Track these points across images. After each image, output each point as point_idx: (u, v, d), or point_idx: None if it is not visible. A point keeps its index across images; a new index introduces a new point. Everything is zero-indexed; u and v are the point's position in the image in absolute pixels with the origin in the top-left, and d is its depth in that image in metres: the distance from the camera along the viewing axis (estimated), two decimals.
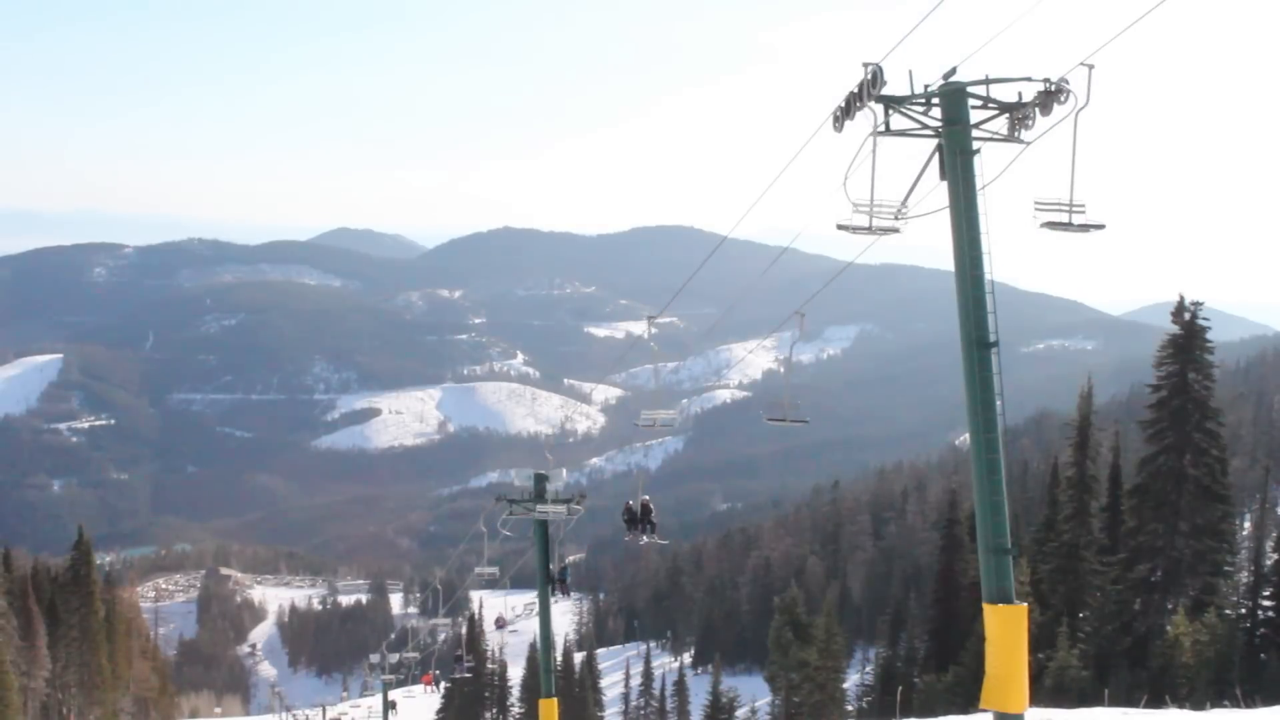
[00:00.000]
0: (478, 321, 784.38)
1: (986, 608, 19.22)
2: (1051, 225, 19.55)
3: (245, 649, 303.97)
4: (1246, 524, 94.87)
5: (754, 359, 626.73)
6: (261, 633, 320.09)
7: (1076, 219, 19.59)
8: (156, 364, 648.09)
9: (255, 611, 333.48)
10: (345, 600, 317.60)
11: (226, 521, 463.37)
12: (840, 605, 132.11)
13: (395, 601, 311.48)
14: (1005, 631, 19.04)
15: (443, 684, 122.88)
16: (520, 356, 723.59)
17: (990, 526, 19.14)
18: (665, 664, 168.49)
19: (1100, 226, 19.84)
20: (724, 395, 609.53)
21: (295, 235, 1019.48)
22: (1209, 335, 62.66)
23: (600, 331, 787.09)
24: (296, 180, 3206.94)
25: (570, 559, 48.49)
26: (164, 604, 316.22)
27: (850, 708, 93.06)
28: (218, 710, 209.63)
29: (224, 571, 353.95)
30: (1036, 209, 19.46)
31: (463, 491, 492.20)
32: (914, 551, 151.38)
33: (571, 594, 47.50)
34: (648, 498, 37.31)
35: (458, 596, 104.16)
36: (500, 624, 68.56)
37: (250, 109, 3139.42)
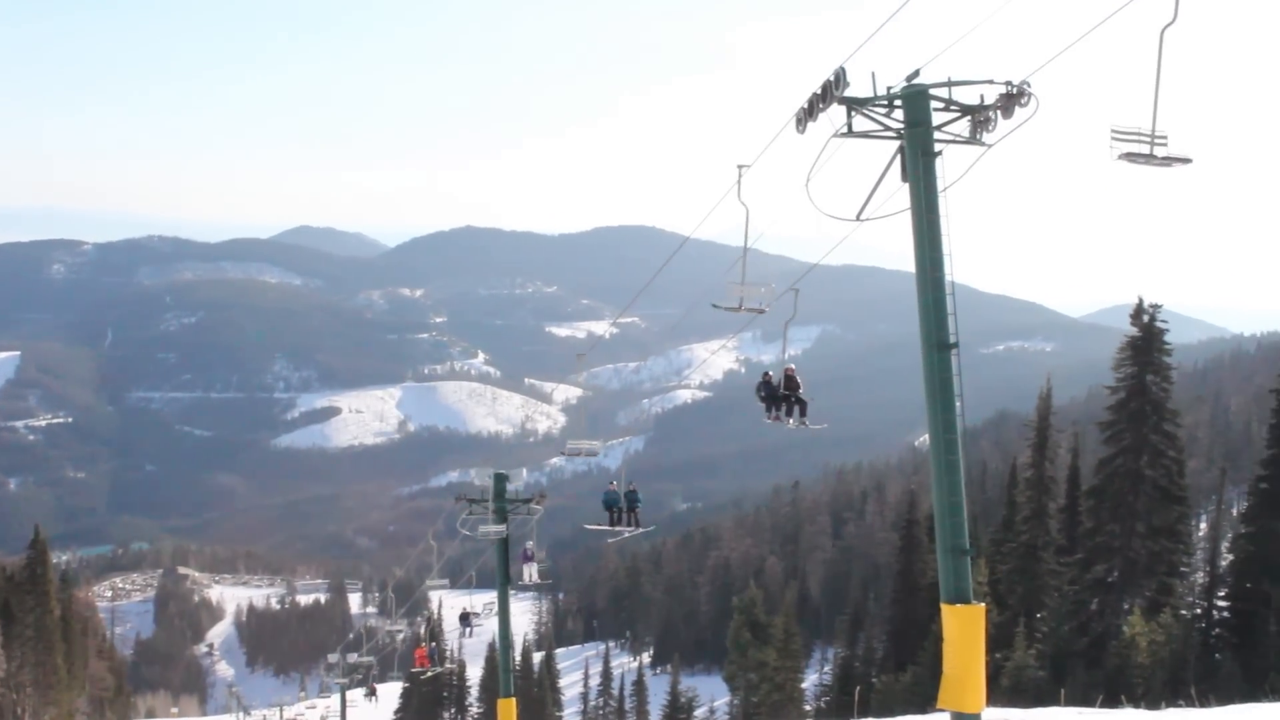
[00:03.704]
0: (439, 321, 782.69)
1: (944, 608, 19.25)
2: (1130, 157, 18.16)
3: (202, 649, 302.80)
4: (1203, 525, 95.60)
5: (715, 359, 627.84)
6: (219, 632, 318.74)
7: (1159, 151, 18.21)
8: (115, 362, 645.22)
9: (213, 611, 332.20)
10: (304, 600, 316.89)
11: (184, 520, 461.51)
12: (799, 605, 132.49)
13: (354, 601, 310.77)
14: (963, 632, 19.08)
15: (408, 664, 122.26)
16: (481, 356, 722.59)
17: (949, 527, 19.18)
18: (624, 664, 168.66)
19: (1187, 160, 18.47)
20: (685, 395, 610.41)
21: (256, 233, 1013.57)
22: (1167, 338, 62.98)
23: (561, 331, 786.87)
24: (258, 178, 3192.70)
25: (536, 561, 47.26)
26: (121, 603, 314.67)
27: (808, 707, 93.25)
28: (174, 710, 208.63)
29: (181, 571, 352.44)
30: (1114, 139, 18.04)
31: (423, 491, 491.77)
32: (873, 552, 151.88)
33: (642, 526, 40.73)
34: (794, 367, 28.10)
35: (417, 596, 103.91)
36: (465, 620, 67.40)
37: (212, 107, 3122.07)
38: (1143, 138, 17.81)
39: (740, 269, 23.04)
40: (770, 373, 27.66)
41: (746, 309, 24.33)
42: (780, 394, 27.20)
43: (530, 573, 46.00)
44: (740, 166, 22.71)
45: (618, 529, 40.03)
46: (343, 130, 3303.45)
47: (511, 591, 44.71)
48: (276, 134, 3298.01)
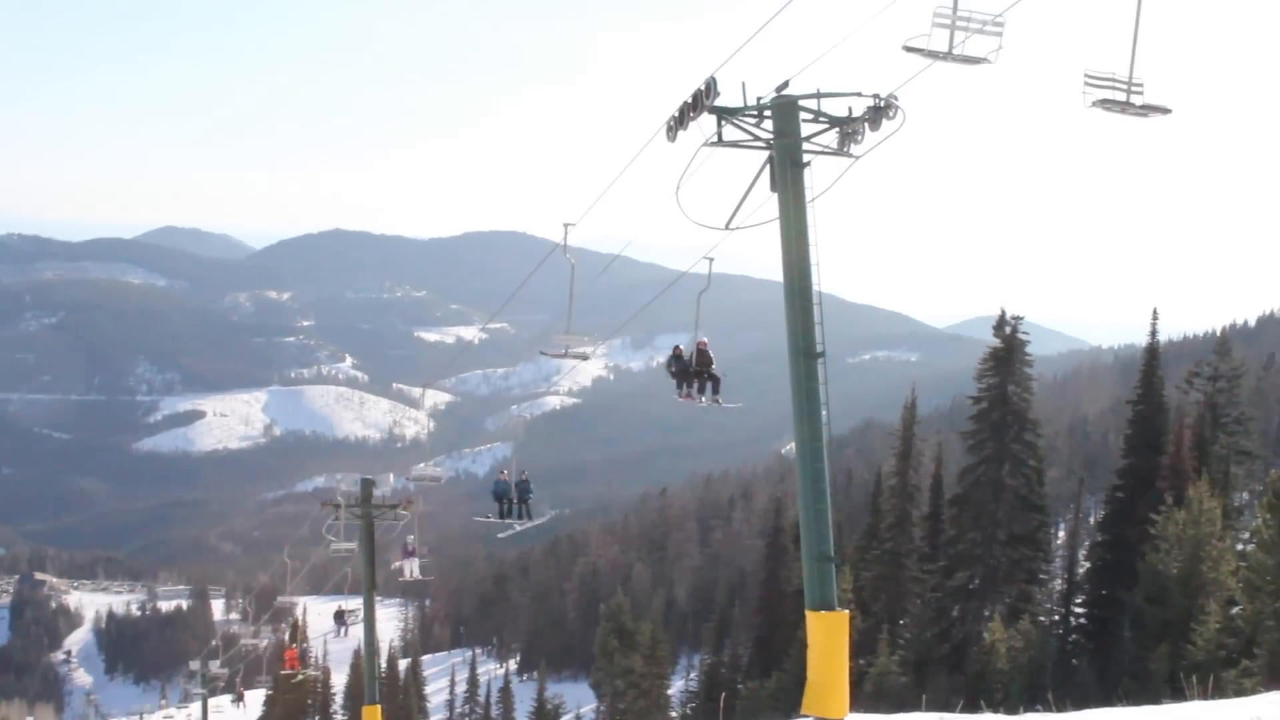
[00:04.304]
0: (306, 324, 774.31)
1: (809, 615, 19.41)
2: (1106, 105, 17.32)
3: (60, 656, 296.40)
4: (1061, 533, 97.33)
5: (584, 366, 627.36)
6: (77, 639, 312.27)
7: (1136, 99, 17.40)
8: None
9: (71, 617, 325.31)
10: (165, 606, 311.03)
11: (43, 525, 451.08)
12: (666, 612, 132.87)
13: (217, 607, 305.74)
14: (827, 638, 19.24)
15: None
16: (349, 360, 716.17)
17: (814, 534, 19.35)
18: (491, 671, 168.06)
19: (1166, 110, 17.61)
20: (554, 402, 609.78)
21: (120, 233, 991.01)
22: (1028, 349, 64.17)
23: (430, 336, 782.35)
24: (123, 177, 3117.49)
25: (417, 558, 46.52)
26: None
27: (674, 714, 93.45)
28: (29, 719, 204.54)
29: (39, 576, 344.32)
30: (1087, 85, 17.16)
31: (288, 496, 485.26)
32: (740, 559, 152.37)
33: (534, 519, 37.91)
34: (706, 341, 26.28)
35: (276, 607, 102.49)
36: (340, 619, 66.67)
37: (78, 106, 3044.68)
38: (1118, 84, 17.29)
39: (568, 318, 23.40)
40: (681, 347, 26.60)
41: (571, 354, 24.69)
42: (692, 370, 26.24)
43: (411, 568, 45.59)
44: (566, 224, 22.96)
45: (508, 521, 38.12)
46: (212, 132, 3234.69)
47: (378, 597, 44.37)
48: (143, 134, 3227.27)
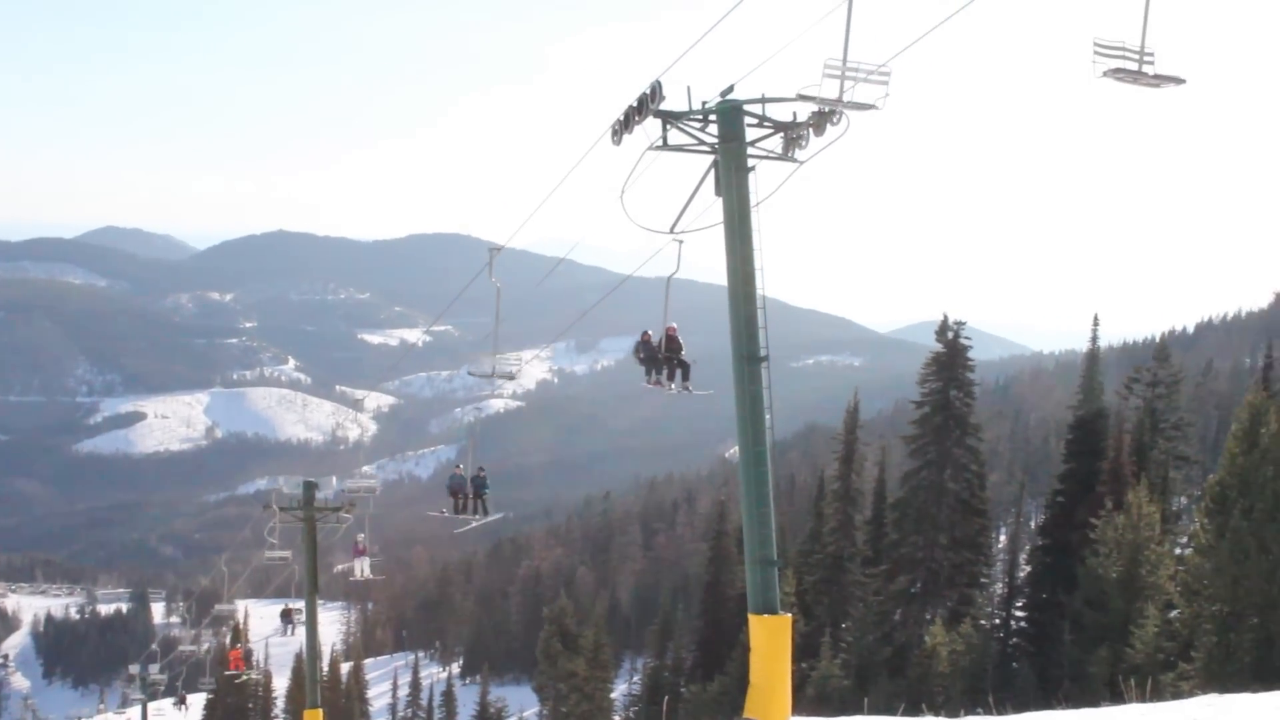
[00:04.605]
0: (249, 325, 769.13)
1: (752, 618, 19.43)
2: (1118, 74, 16.69)
3: None
4: (1002, 537, 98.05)
5: (528, 369, 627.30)
6: (14, 643, 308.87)
7: (1148, 69, 16.74)
8: None
9: (8, 621, 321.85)
10: (105, 609, 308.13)
11: None
12: (609, 615, 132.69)
13: (158, 611, 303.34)
14: (769, 642, 19.28)
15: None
16: (292, 362, 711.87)
17: (757, 538, 19.38)
18: (434, 674, 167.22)
19: (1180, 81, 16.99)
20: (498, 405, 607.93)
21: (60, 232, 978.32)
22: (970, 354, 64.55)
23: (374, 338, 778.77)
24: (64, 177, 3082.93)
25: (368, 557, 46.33)
26: None
27: (617, 717, 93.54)
28: None
29: None
30: (1097, 54, 16.49)
31: (230, 499, 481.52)
32: (683, 562, 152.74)
33: (490, 514, 37.33)
34: (675, 326, 25.36)
35: (214, 615, 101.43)
36: (287, 618, 66.31)
37: (17, 103, 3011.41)
38: (1130, 54, 16.69)
39: (494, 339, 23.67)
40: (650, 332, 25.68)
41: (498, 375, 25.04)
42: (660, 355, 25.42)
43: (362, 567, 45.46)
44: (492, 250, 23.09)
45: (464, 516, 37.29)
46: (154, 133, 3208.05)
47: (320, 601, 44.16)
48: (85, 134, 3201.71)
